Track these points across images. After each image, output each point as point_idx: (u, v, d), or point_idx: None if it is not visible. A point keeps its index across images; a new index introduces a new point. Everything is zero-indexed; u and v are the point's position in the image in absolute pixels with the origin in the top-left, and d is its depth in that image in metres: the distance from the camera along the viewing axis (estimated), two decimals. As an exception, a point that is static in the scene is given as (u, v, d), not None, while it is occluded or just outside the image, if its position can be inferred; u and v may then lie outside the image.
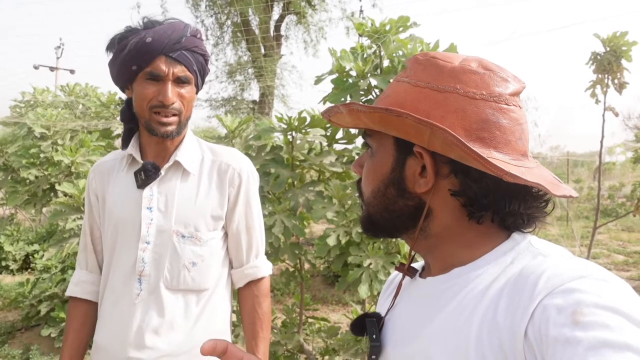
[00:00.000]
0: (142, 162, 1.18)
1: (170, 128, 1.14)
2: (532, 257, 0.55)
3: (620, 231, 10.17)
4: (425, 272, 0.67)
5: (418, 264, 0.72)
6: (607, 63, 3.55)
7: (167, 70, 1.10)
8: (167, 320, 1.14)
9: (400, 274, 0.72)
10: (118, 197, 1.20)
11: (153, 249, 1.15)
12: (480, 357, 0.50)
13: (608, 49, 3.58)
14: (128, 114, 1.20)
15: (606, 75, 3.64)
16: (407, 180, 0.60)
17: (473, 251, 0.59)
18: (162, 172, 1.18)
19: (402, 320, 0.64)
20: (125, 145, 1.22)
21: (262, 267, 1.28)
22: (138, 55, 1.09)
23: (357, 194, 0.71)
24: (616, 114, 3.69)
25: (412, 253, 0.68)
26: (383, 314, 0.68)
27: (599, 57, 3.62)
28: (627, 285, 0.49)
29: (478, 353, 0.50)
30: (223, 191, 1.20)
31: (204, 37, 1.19)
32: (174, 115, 1.13)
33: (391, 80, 0.68)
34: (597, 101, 3.71)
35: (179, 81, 1.13)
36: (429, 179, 0.58)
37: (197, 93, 1.22)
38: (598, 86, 3.70)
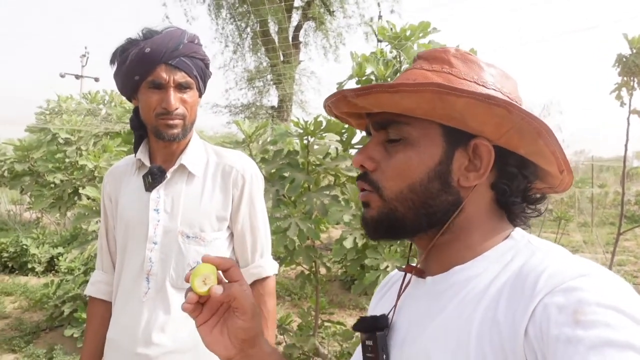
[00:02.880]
0: (149, 166, 1.24)
1: (176, 131, 1.18)
2: (531, 254, 0.55)
3: (649, 238, 9.83)
4: (424, 272, 0.65)
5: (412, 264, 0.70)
6: (634, 65, 3.46)
7: (167, 78, 1.14)
8: (172, 317, 1.18)
9: (399, 274, 0.70)
10: (128, 200, 1.25)
11: (160, 249, 1.20)
12: (481, 355, 0.50)
13: (634, 50, 3.49)
14: (137, 122, 1.25)
15: (632, 78, 3.55)
16: (452, 174, 0.59)
17: (474, 250, 0.59)
18: (168, 175, 1.22)
19: (403, 320, 0.63)
20: (136, 151, 1.27)
21: (267, 267, 1.30)
22: (139, 66, 1.14)
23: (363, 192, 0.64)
24: (642, 117, 3.59)
25: (410, 252, 0.67)
26: (385, 315, 0.66)
27: (624, 59, 3.53)
28: (627, 284, 0.49)
29: (478, 351, 0.50)
30: (227, 192, 1.24)
31: (210, 43, 1.22)
32: (178, 119, 1.18)
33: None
34: (623, 104, 3.62)
35: (181, 87, 1.17)
36: (482, 173, 0.58)
37: (200, 97, 1.26)
38: (624, 89, 3.61)
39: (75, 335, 3.65)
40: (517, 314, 0.49)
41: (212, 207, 1.22)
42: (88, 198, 3.23)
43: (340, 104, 0.62)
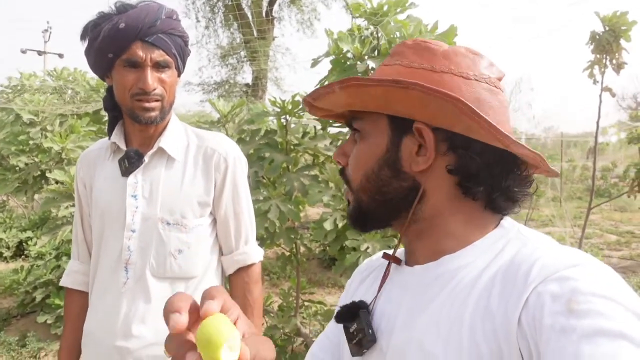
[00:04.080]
0: (125, 149, 1.17)
1: (153, 114, 1.11)
2: (522, 244, 0.55)
3: (613, 211, 10.27)
4: (410, 260, 0.65)
5: (399, 251, 0.69)
6: (606, 43, 3.51)
7: (144, 56, 1.07)
8: (153, 308, 1.13)
9: (380, 260, 0.70)
10: (103, 186, 1.19)
11: (139, 237, 1.14)
12: (474, 344, 0.50)
13: (607, 28, 3.53)
14: (111, 102, 1.17)
15: (604, 56, 3.61)
16: (402, 160, 0.60)
17: (463, 239, 0.59)
18: (146, 159, 1.16)
19: (391, 309, 0.62)
20: (110, 134, 1.20)
21: (252, 254, 1.26)
22: (113, 43, 1.06)
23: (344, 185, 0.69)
24: (613, 95, 3.68)
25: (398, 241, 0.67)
26: (367, 302, 0.65)
27: (597, 37, 3.58)
28: (617, 274, 0.50)
29: (471, 340, 0.50)
30: (209, 177, 1.18)
31: (181, 18, 1.14)
32: (156, 100, 1.11)
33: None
34: (595, 81, 3.68)
35: (158, 66, 1.10)
36: (429, 156, 0.58)
37: (179, 76, 1.18)
38: (596, 66, 3.67)
39: (48, 322, 3.56)
40: (510, 302, 0.49)
41: (193, 192, 1.16)
42: (57, 182, 3.10)
43: (313, 109, 0.67)
